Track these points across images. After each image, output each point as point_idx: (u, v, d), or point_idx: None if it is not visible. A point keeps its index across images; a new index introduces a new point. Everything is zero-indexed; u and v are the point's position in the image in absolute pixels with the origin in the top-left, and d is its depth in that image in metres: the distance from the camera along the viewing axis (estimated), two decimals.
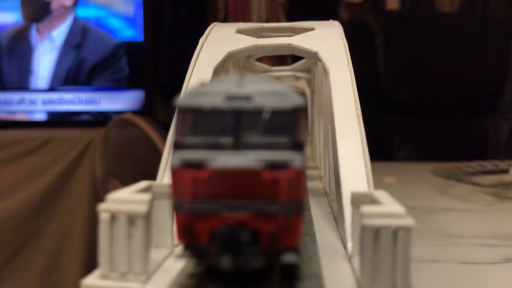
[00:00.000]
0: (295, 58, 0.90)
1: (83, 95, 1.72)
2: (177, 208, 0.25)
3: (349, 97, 0.43)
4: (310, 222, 0.42)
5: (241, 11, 2.00)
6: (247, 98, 0.25)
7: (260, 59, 0.89)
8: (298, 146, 0.25)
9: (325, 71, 0.47)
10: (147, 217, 0.28)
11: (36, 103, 1.73)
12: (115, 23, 1.74)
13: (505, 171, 0.92)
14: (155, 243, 0.34)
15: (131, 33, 1.74)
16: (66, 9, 1.74)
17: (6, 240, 1.36)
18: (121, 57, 1.73)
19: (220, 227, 0.24)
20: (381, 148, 1.56)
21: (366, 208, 0.27)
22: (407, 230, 0.26)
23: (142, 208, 0.27)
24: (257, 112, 0.25)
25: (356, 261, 0.31)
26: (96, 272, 0.28)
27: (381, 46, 1.61)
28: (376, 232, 0.26)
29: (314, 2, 2.02)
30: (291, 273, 0.27)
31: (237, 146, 0.24)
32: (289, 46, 0.50)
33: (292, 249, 0.25)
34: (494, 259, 0.48)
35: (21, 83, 1.74)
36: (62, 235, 1.37)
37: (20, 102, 1.73)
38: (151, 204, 0.28)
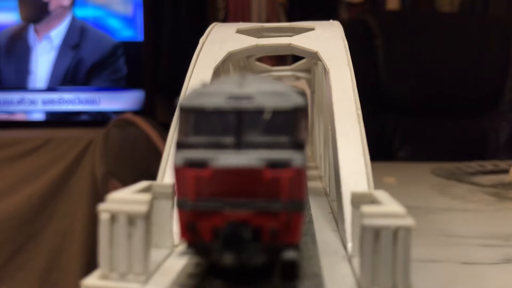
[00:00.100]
0: (295, 58, 0.90)
1: (83, 95, 1.72)
2: (180, 206, 0.26)
3: (349, 97, 0.43)
4: (310, 222, 0.42)
5: (241, 11, 2.00)
6: (248, 98, 0.25)
7: (260, 59, 0.89)
8: (298, 145, 0.25)
9: (325, 71, 0.47)
10: (147, 217, 0.28)
11: (35, 103, 1.73)
12: (113, 23, 1.74)
13: (505, 171, 0.92)
14: (155, 243, 0.34)
15: (130, 33, 1.74)
16: (64, 9, 1.74)
17: (6, 240, 1.36)
18: (119, 57, 1.73)
19: (223, 225, 0.25)
20: (381, 148, 1.56)
21: (366, 208, 0.27)
22: (407, 230, 0.26)
23: (142, 208, 0.27)
24: (258, 112, 0.25)
25: (356, 261, 0.31)
26: (96, 272, 0.28)
27: (381, 46, 1.61)
28: (376, 232, 0.26)
29: (314, 2, 2.02)
30: (292, 270, 0.27)
31: (239, 145, 0.25)
32: (289, 46, 0.50)
33: (292, 246, 0.26)
34: (494, 259, 0.48)
35: (20, 83, 1.74)
36: (62, 235, 1.37)
37: (19, 102, 1.73)
38: (151, 204, 0.28)
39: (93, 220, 1.10)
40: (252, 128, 0.25)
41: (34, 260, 1.36)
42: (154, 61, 1.79)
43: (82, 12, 1.75)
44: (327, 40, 0.49)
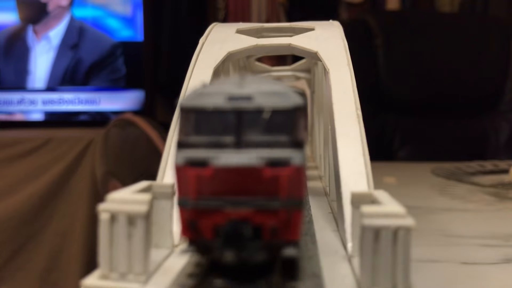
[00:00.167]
0: (295, 58, 0.90)
1: (83, 95, 1.72)
2: (181, 204, 0.26)
3: (349, 97, 0.43)
4: (310, 222, 0.42)
5: (241, 11, 2.00)
6: (248, 98, 0.26)
7: (260, 59, 0.89)
8: (297, 144, 0.26)
9: (325, 71, 0.47)
10: (147, 217, 0.28)
11: (33, 104, 1.73)
12: (112, 23, 1.74)
13: (505, 171, 0.92)
14: (155, 243, 0.34)
15: (129, 33, 1.74)
16: (63, 9, 1.74)
17: (6, 240, 1.36)
18: (118, 57, 1.73)
19: (223, 223, 0.25)
20: (381, 148, 1.56)
21: (366, 208, 0.27)
22: (407, 230, 0.26)
23: (142, 208, 0.27)
24: (258, 111, 0.26)
25: (356, 261, 0.31)
26: (96, 272, 0.28)
27: (381, 46, 1.61)
28: (376, 232, 0.26)
29: (314, 2, 2.02)
30: (292, 267, 0.28)
31: (239, 144, 0.25)
32: (289, 46, 0.50)
33: (292, 244, 0.26)
34: (494, 259, 0.48)
35: (19, 83, 1.74)
36: (62, 235, 1.37)
37: (18, 102, 1.73)
38: (151, 204, 0.28)
39: (93, 220, 1.10)
40: (252, 128, 0.25)
41: (34, 260, 1.36)
42: (154, 61, 1.79)
43: (81, 12, 1.75)
44: (327, 40, 0.49)
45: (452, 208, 0.72)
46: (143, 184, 0.33)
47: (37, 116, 1.75)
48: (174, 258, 0.32)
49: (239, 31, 0.52)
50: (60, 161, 1.40)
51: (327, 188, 0.56)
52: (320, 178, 0.69)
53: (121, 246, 0.27)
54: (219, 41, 0.50)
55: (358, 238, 0.29)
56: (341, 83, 0.44)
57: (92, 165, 1.38)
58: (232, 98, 0.26)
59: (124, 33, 1.74)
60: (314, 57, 0.49)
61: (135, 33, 1.74)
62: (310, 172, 0.74)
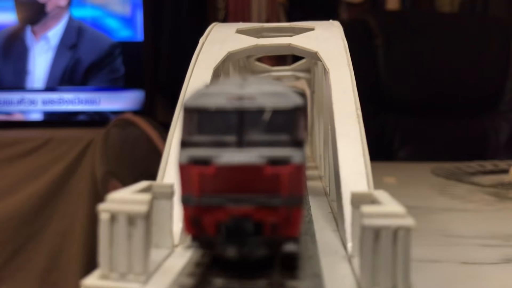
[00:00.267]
0: (295, 58, 0.90)
1: (82, 95, 1.72)
2: (185, 202, 0.27)
3: (349, 97, 0.43)
4: (310, 222, 0.42)
5: (241, 11, 2.00)
6: (249, 98, 0.27)
7: (260, 59, 0.89)
8: (297, 143, 0.27)
9: (325, 71, 0.47)
10: (147, 217, 0.28)
11: (32, 104, 1.73)
12: (111, 23, 1.74)
13: (505, 171, 0.92)
14: (155, 243, 0.34)
15: (128, 33, 1.74)
16: (61, 9, 1.74)
17: (6, 240, 1.36)
18: (117, 57, 1.73)
19: (226, 219, 0.26)
20: (381, 148, 1.56)
21: (366, 208, 0.27)
22: (407, 230, 0.26)
23: (142, 208, 0.27)
24: (259, 111, 0.26)
25: (356, 261, 0.31)
26: (96, 272, 0.28)
27: (381, 46, 1.61)
28: (376, 232, 0.26)
29: (314, 2, 2.02)
30: (292, 262, 0.29)
31: (241, 143, 0.26)
32: (289, 46, 0.50)
33: (292, 239, 0.27)
34: (494, 259, 0.48)
35: (18, 83, 1.74)
36: (62, 235, 1.37)
37: (17, 102, 1.73)
38: (151, 204, 0.28)
39: (93, 220, 1.10)
40: (253, 127, 0.26)
41: (34, 260, 1.36)
42: (154, 61, 1.79)
43: (79, 12, 1.75)
44: (327, 40, 0.49)
45: (452, 208, 0.72)
46: (143, 184, 0.33)
47: (36, 116, 1.75)
48: (174, 258, 0.32)
49: (239, 31, 0.52)
50: (60, 161, 1.41)
51: (327, 188, 0.56)
52: (320, 178, 0.69)
53: (121, 246, 0.27)
54: (219, 41, 0.50)
55: (358, 238, 0.29)
56: (341, 83, 0.44)
57: (92, 165, 1.38)
58: (234, 98, 0.27)
59: (123, 33, 1.74)
60: (314, 57, 0.49)
61: (134, 33, 1.74)
62: (310, 172, 0.74)
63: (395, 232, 0.26)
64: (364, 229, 0.26)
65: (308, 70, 0.92)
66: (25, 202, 1.37)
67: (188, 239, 0.27)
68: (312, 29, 0.52)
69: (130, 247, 0.27)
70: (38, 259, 1.36)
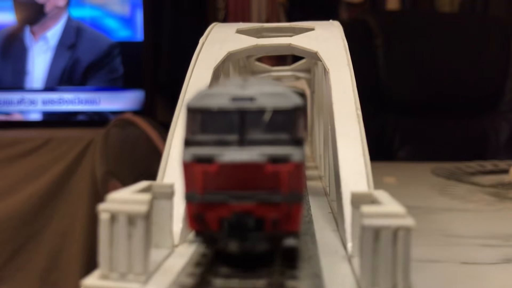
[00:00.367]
0: (295, 58, 0.90)
1: (82, 95, 1.72)
2: (189, 199, 0.28)
3: (349, 97, 0.43)
4: (310, 222, 0.42)
5: (241, 11, 2.00)
6: (251, 99, 0.28)
7: (260, 59, 0.89)
8: (297, 142, 0.28)
9: (325, 71, 0.47)
10: (147, 217, 0.28)
11: (32, 104, 1.73)
12: (110, 23, 1.74)
13: (505, 171, 0.92)
14: (155, 243, 0.34)
15: (127, 33, 1.74)
16: (60, 10, 1.74)
17: (6, 240, 1.36)
18: (116, 57, 1.73)
19: (228, 215, 0.27)
20: (381, 148, 1.56)
21: (366, 208, 0.27)
22: (407, 230, 0.26)
23: (142, 208, 0.27)
24: (260, 111, 0.27)
25: (356, 261, 0.31)
26: (96, 272, 0.28)
27: (381, 46, 1.61)
28: (376, 232, 0.26)
29: (314, 2, 2.02)
30: (292, 256, 0.30)
31: (242, 142, 0.27)
32: (289, 46, 0.50)
33: (292, 234, 0.28)
34: (494, 259, 0.48)
35: (17, 83, 1.74)
36: (62, 235, 1.37)
37: (16, 102, 1.73)
38: (151, 204, 0.28)
39: (93, 220, 1.10)
40: (254, 127, 0.27)
41: (34, 260, 1.36)
42: (154, 61, 1.79)
43: (78, 12, 1.75)
44: (327, 40, 0.49)
45: (452, 208, 0.72)
46: (143, 184, 0.33)
47: (36, 116, 1.75)
48: (174, 258, 0.32)
49: (239, 31, 0.52)
50: (60, 161, 1.41)
51: (327, 188, 0.56)
52: (320, 178, 0.69)
53: (121, 246, 0.27)
54: (219, 41, 0.50)
55: (358, 238, 0.29)
56: (341, 83, 0.44)
57: (92, 165, 1.38)
58: (235, 99, 0.28)
59: (122, 33, 1.74)
60: (314, 57, 0.49)
61: (133, 33, 1.74)
62: (310, 172, 0.74)
63: (395, 232, 0.26)
64: (364, 229, 0.26)
65: (308, 70, 0.92)
66: (25, 202, 1.37)
67: (189, 237, 0.28)
68: (312, 29, 0.52)
69: (130, 247, 0.27)
70: (38, 259, 1.36)
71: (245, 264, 0.28)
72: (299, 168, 0.27)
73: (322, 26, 0.53)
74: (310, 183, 0.64)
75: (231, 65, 0.63)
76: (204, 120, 0.28)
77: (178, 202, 0.35)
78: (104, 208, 0.27)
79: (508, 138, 1.61)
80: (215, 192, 0.27)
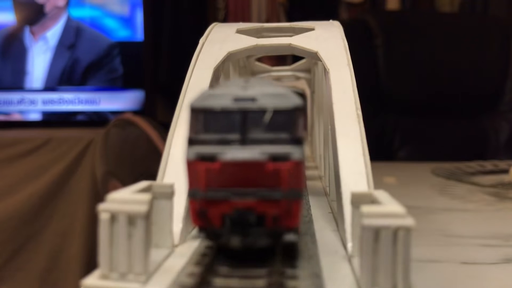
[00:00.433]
0: (295, 58, 0.90)
1: (82, 95, 1.72)
2: (192, 196, 0.29)
3: (349, 97, 0.43)
4: (310, 222, 0.42)
5: (241, 11, 2.00)
6: (252, 99, 0.29)
7: (260, 59, 0.89)
8: (297, 141, 0.28)
9: (325, 71, 0.47)
10: (147, 217, 0.28)
11: (32, 104, 1.73)
12: (110, 23, 1.74)
13: (505, 171, 0.92)
14: (155, 243, 0.34)
15: (126, 33, 1.74)
16: (60, 10, 1.74)
17: (6, 240, 1.36)
18: (115, 57, 1.73)
19: (230, 212, 0.28)
20: (381, 148, 1.56)
21: (366, 208, 0.27)
22: (407, 230, 0.26)
23: (142, 208, 0.27)
24: (261, 111, 0.28)
25: (356, 261, 0.31)
26: (96, 272, 0.28)
27: (381, 46, 1.61)
28: (376, 232, 0.26)
29: (314, 2, 2.02)
30: (292, 251, 0.31)
31: (244, 141, 0.28)
32: (289, 46, 0.50)
33: (292, 230, 0.29)
34: (494, 259, 0.48)
35: (16, 83, 1.74)
36: (62, 235, 1.37)
37: (16, 102, 1.73)
38: (151, 204, 0.28)
39: (93, 220, 1.10)
40: (256, 126, 0.28)
41: (34, 260, 1.36)
42: (154, 61, 1.79)
43: (78, 12, 1.75)
44: (327, 40, 0.49)
45: (452, 208, 0.72)
46: (143, 184, 0.33)
47: (35, 116, 1.75)
48: (174, 258, 0.32)
49: (239, 31, 0.52)
50: (60, 161, 1.40)
51: (327, 188, 0.55)
52: (320, 178, 0.69)
53: (121, 246, 0.27)
54: (219, 41, 0.50)
55: (358, 238, 0.29)
56: (341, 83, 0.44)
57: (92, 165, 1.38)
58: (237, 99, 0.29)
59: (122, 33, 1.74)
60: (314, 57, 0.49)
61: (133, 33, 1.74)
62: (310, 172, 0.74)
63: (395, 232, 0.26)
64: (364, 229, 0.26)
65: (308, 70, 0.92)
66: (25, 202, 1.37)
67: (193, 233, 0.28)
68: (312, 29, 0.52)
69: (130, 247, 0.27)
70: (38, 259, 1.36)
71: (246, 259, 0.29)
72: (299, 166, 0.28)
73: (322, 26, 0.53)
74: (310, 183, 0.64)
75: (231, 65, 0.63)
76: (207, 120, 0.29)
77: (178, 202, 0.35)
78: (104, 208, 0.27)
79: (508, 138, 1.61)
80: (218, 189, 0.28)
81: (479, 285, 0.43)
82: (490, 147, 1.60)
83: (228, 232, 0.28)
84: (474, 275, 0.44)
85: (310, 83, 0.92)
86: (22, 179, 1.40)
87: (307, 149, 0.95)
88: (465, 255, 0.50)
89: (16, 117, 1.75)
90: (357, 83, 0.44)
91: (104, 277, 0.28)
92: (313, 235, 0.38)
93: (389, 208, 0.27)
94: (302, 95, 0.32)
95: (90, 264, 1.28)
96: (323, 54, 0.47)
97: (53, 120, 1.73)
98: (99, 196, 1.30)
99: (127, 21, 1.74)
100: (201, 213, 0.29)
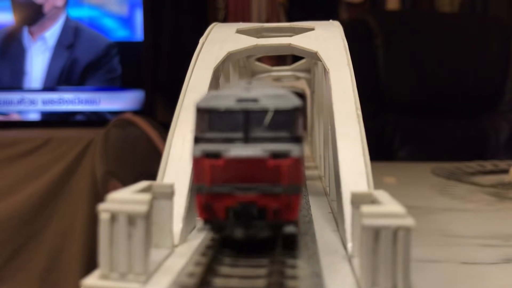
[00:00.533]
0: (295, 58, 0.90)
1: (82, 95, 1.72)
2: (198, 190, 0.31)
3: (349, 97, 0.43)
4: (310, 222, 0.42)
5: (241, 11, 2.00)
6: (254, 100, 0.30)
7: (260, 59, 0.89)
8: (296, 139, 0.30)
9: (325, 71, 0.47)
10: (147, 217, 0.28)
11: (30, 104, 1.73)
12: (109, 23, 1.74)
13: (505, 171, 0.92)
14: (155, 243, 0.34)
15: (125, 33, 1.74)
16: (58, 10, 1.74)
17: (6, 240, 1.36)
18: (114, 57, 1.73)
19: (234, 205, 0.30)
20: (381, 148, 1.56)
21: (366, 208, 0.27)
22: (407, 230, 0.26)
23: (142, 208, 0.27)
24: (263, 111, 0.30)
25: (356, 261, 0.31)
26: (96, 272, 0.28)
27: (381, 46, 1.61)
28: (376, 232, 0.26)
29: (314, 2, 2.02)
30: (291, 242, 0.33)
31: (247, 139, 0.30)
32: (289, 46, 0.50)
33: (292, 223, 0.31)
34: (494, 259, 0.48)
35: (15, 84, 1.74)
36: (62, 235, 1.37)
37: (15, 102, 1.73)
38: (151, 204, 0.28)
39: (93, 220, 1.10)
40: (257, 125, 0.30)
41: (34, 260, 1.36)
42: (154, 61, 1.79)
43: (77, 12, 1.75)
44: (327, 40, 0.49)
45: (452, 208, 0.72)
46: (143, 184, 0.33)
47: (34, 116, 1.75)
48: (174, 258, 0.32)
49: (239, 31, 0.52)
50: (60, 161, 1.40)
51: (327, 188, 0.55)
52: (320, 178, 0.69)
53: (121, 246, 0.27)
54: (219, 41, 0.50)
55: (358, 238, 0.29)
56: (341, 83, 0.44)
57: (92, 165, 1.38)
58: (240, 100, 0.30)
59: (121, 33, 1.74)
60: (314, 57, 0.49)
61: (131, 33, 1.74)
62: (310, 172, 0.74)
63: (395, 232, 0.26)
64: (364, 229, 0.26)
65: (308, 70, 0.92)
66: (25, 202, 1.37)
67: (198, 226, 0.31)
68: (312, 29, 0.52)
69: (130, 247, 0.27)
70: (38, 259, 1.36)
71: (249, 249, 0.31)
72: (298, 162, 0.30)
73: (322, 26, 0.53)
74: (310, 183, 0.64)
75: (231, 65, 0.63)
76: (212, 119, 0.31)
77: (178, 202, 0.35)
78: (104, 208, 0.27)
79: (508, 138, 1.61)
80: (222, 184, 0.30)
81: (479, 285, 0.43)
82: (490, 147, 1.60)
83: (232, 224, 0.30)
84: (474, 275, 0.44)
85: (310, 83, 0.92)
86: (22, 179, 1.40)
87: (307, 148, 0.95)
88: (465, 255, 0.50)
89: (16, 117, 1.75)
90: (357, 83, 0.44)
91: (104, 277, 0.28)
92: (313, 235, 0.38)
93: (389, 208, 0.27)
94: (301, 95, 0.33)
95: (90, 264, 1.28)
96: (323, 54, 0.47)
97: (52, 120, 1.73)
98: (99, 196, 1.29)
99: (126, 21, 1.74)
100: (206, 206, 0.31)
